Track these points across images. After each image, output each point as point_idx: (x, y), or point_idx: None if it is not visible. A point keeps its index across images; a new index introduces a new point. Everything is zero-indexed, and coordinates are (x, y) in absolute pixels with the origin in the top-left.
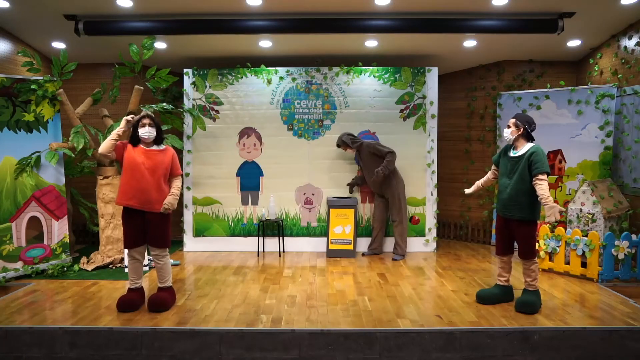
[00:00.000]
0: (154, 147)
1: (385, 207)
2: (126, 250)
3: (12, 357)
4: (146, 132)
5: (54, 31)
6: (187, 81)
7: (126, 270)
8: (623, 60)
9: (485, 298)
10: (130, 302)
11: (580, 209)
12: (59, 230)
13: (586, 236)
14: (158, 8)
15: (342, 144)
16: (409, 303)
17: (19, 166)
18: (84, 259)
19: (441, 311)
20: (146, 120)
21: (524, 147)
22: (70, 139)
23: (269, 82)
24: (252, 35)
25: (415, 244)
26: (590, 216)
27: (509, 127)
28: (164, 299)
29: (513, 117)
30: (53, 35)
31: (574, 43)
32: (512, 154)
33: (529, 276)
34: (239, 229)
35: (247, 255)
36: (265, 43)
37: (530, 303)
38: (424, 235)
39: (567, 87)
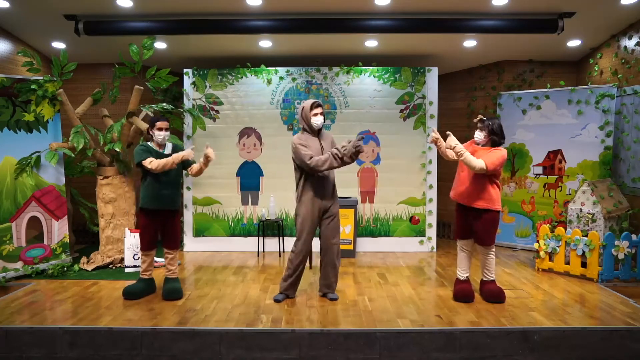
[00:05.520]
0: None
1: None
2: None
3: (12, 357)
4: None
5: (54, 31)
6: (187, 81)
7: (126, 270)
8: (623, 60)
9: (133, 293)
10: None
11: (580, 209)
12: (59, 230)
13: (586, 236)
14: (158, 8)
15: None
16: (409, 303)
17: (19, 166)
18: (84, 259)
19: (441, 311)
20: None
21: (168, 146)
22: (70, 139)
23: (269, 82)
24: (252, 35)
25: (415, 244)
26: (590, 216)
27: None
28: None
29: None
30: (53, 35)
31: (574, 43)
32: (162, 152)
33: (172, 265)
34: (239, 229)
35: (247, 255)
36: (265, 43)
37: (178, 290)
38: (424, 235)
39: (567, 87)
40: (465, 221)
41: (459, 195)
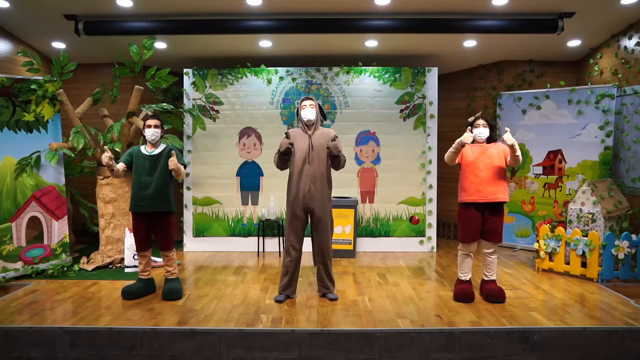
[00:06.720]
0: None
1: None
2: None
3: (12, 357)
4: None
5: (54, 31)
6: (187, 81)
7: (126, 270)
8: (623, 60)
9: (131, 293)
10: None
11: (580, 209)
12: (59, 230)
13: (586, 236)
14: (158, 8)
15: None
16: (409, 303)
17: (19, 166)
18: (84, 259)
19: (441, 311)
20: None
21: (160, 147)
22: (70, 139)
23: (269, 82)
24: (252, 35)
25: (415, 244)
26: (590, 216)
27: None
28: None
29: None
30: (53, 35)
31: (574, 43)
32: (147, 152)
33: (170, 266)
34: (239, 229)
35: (247, 255)
36: (265, 43)
37: (177, 290)
38: (424, 235)
39: (567, 87)
40: (479, 222)
41: (485, 194)
